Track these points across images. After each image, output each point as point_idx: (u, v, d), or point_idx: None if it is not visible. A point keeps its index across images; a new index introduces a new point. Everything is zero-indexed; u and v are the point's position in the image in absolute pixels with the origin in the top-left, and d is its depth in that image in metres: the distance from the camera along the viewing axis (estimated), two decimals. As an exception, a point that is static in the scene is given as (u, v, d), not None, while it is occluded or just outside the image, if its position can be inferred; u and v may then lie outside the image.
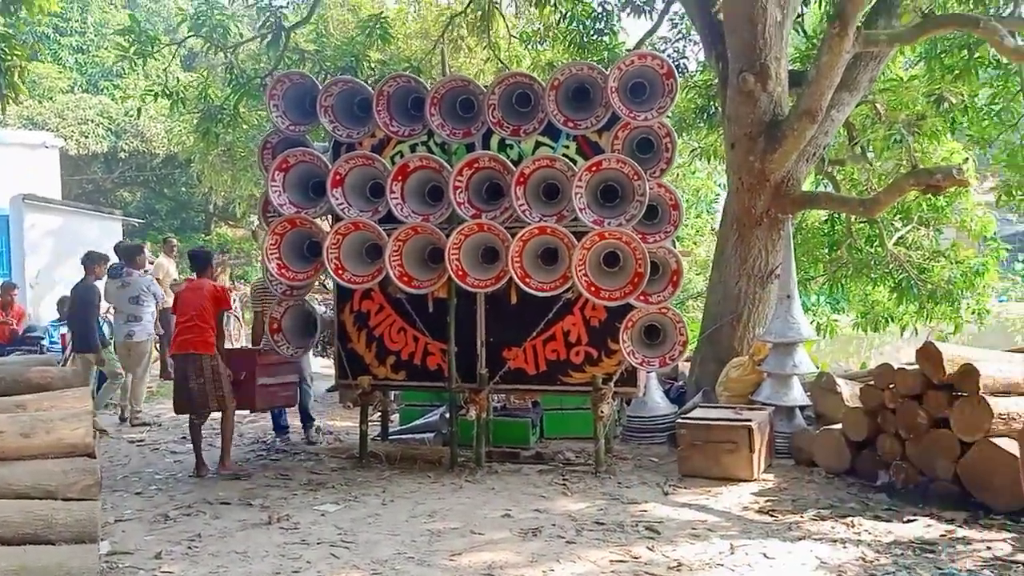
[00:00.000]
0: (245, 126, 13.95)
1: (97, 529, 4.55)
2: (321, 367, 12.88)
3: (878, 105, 10.25)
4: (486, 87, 6.88)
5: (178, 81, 13.20)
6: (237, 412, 7.36)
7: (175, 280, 11.61)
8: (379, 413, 8.29)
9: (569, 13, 11.82)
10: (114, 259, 9.78)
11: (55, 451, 4.74)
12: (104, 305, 9.74)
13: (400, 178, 6.78)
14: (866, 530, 5.20)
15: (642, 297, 6.57)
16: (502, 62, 13.50)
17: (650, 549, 4.91)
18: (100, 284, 9.26)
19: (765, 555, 4.79)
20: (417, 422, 8.27)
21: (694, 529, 5.29)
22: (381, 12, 14.43)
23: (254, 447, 8.05)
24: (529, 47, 13.88)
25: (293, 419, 8.50)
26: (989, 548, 4.81)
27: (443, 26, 13.44)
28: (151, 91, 11.73)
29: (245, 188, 19.45)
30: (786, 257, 7.98)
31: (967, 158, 10.91)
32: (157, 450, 8.02)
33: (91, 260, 9.14)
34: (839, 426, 6.57)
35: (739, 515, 5.61)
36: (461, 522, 5.48)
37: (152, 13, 27.19)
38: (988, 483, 5.41)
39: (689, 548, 4.93)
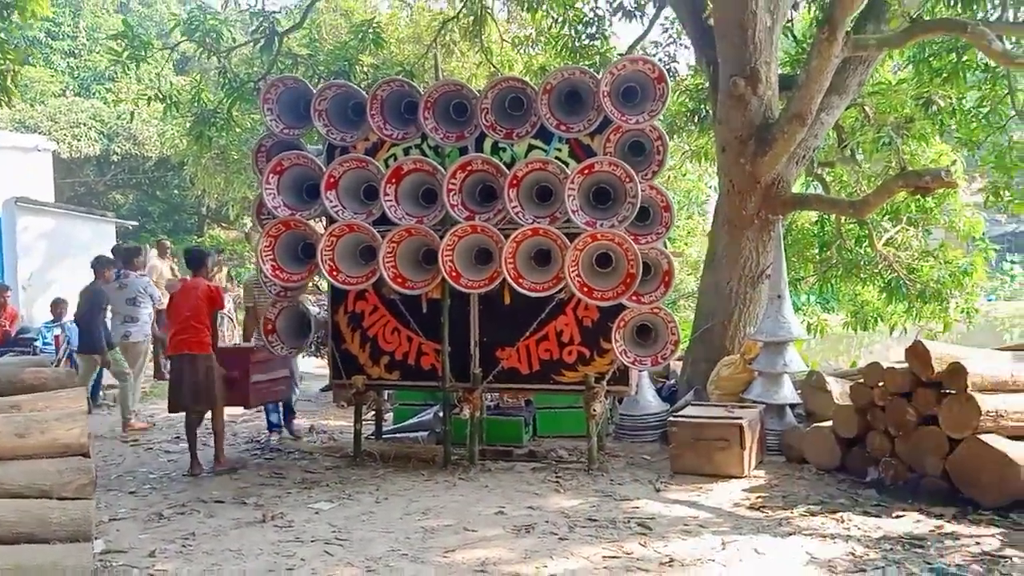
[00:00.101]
0: (238, 129, 13.95)
1: (92, 528, 4.56)
2: (315, 367, 12.92)
3: (867, 108, 10.33)
4: (479, 91, 6.94)
5: (171, 85, 13.22)
6: (231, 411, 7.42)
7: (170, 280, 11.64)
8: (373, 412, 8.32)
9: (561, 18, 11.88)
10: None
11: (50, 451, 4.76)
12: None
13: (394, 181, 6.83)
14: (856, 526, 5.25)
15: (634, 297, 6.63)
16: (494, 66, 13.56)
17: (642, 545, 4.96)
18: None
19: (756, 551, 4.84)
20: (411, 421, 8.31)
21: (686, 525, 5.34)
22: (374, 17, 14.49)
23: (248, 446, 8.07)
24: (521, 51, 13.94)
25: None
26: (977, 543, 4.87)
27: (436, 31, 13.49)
28: (144, 95, 11.75)
29: (238, 191, 19.44)
30: (777, 258, 8.05)
31: (955, 160, 10.98)
32: (151, 449, 8.04)
33: (100, 264, 9.26)
34: (829, 424, 6.63)
35: (730, 511, 5.67)
36: (455, 519, 5.52)
37: (144, 17, 27.21)
38: (976, 479, 5.47)
39: (681, 544, 4.97)
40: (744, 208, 8.36)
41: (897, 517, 5.39)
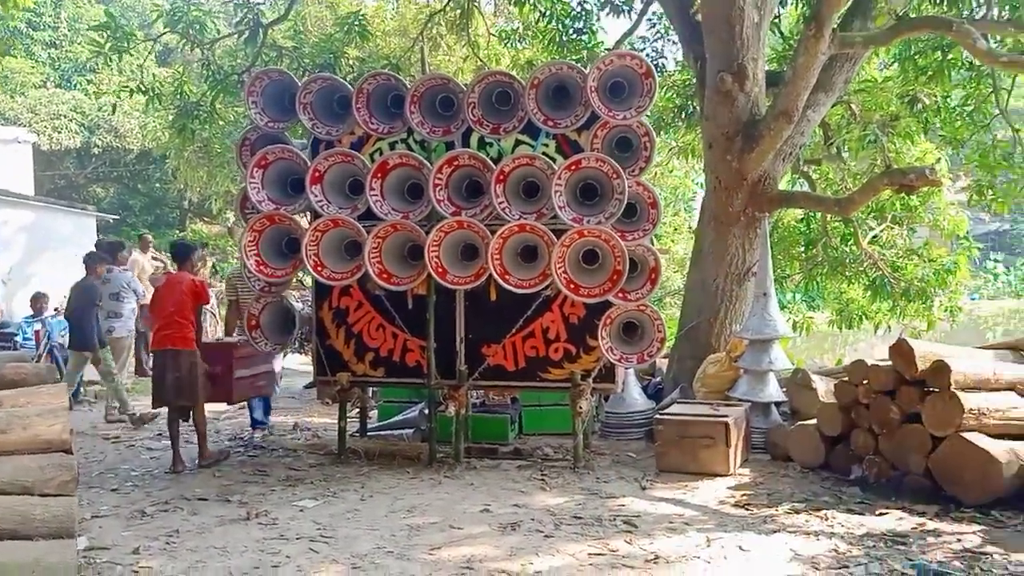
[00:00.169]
0: (222, 122, 13.86)
1: (74, 525, 4.52)
2: (299, 363, 12.87)
3: (853, 106, 10.38)
4: (466, 85, 6.90)
5: (154, 77, 13.09)
6: (214, 408, 7.38)
7: (155, 270, 11.57)
8: (358, 409, 8.28)
9: (548, 12, 11.85)
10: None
11: (31, 447, 4.71)
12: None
13: (380, 175, 6.78)
14: (839, 523, 5.28)
15: (621, 294, 6.63)
16: (481, 60, 13.52)
17: (628, 542, 4.96)
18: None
19: (741, 548, 4.86)
20: (396, 418, 8.29)
21: (671, 523, 5.35)
22: (359, 9, 14.41)
23: (231, 443, 8.01)
24: (508, 45, 13.90)
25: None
26: (959, 540, 4.91)
27: (422, 24, 13.43)
28: (126, 87, 11.63)
29: (221, 184, 19.31)
30: (763, 255, 8.07)
31: (939, 158, 11.06)
32: (133, 447, 7.97)
33: (92, 260, 9.20)
34: (814, 421, 6.66)
35: (715, 509, 5.68)
36: (440, 517, 5.50)
37: (126, 8, 26.93)
38: (959, 477, 5.51)
39: (666, 541, 4.98)
40: (730, 205, 8.37)
41: (880, 514, 5.42)
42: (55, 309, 11.51)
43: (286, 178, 7.16)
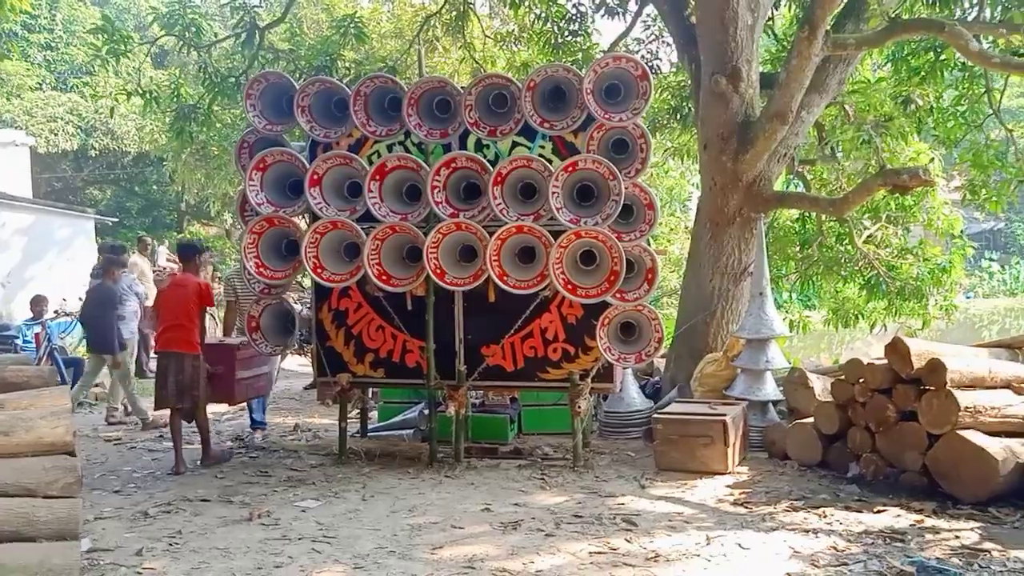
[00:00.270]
0: (219, 124, 13.87)
1: (78, 526, 4.55)
2: (299, 365, 12.89)
3: (847, 106, 10.43)
4: (463, 88, 6.94)
5: (151, 80, 13.11)
6: (215, 409, 7.42)
7: (160, 270, 11.60)
8: (358, 410, 8.32)
9: (543, 14, 11.89)
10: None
11: (35, 449, 4.74)
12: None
13: (378, 177, 6.82)
14: (837, 520, 5.33)
15: (618, 295, 6.67)
16: (477, 62, 13.54)
17: (628, 541, 5.00)
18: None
19: (740, 546, 4.90)
20: (396, 419, 8.32)
21: (670, 521, 5.40)
22: (355, 12, 14.43)
23: (233, 445, 8.03)
24: (504, 47, 13.94)
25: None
26: (957, 537, 4.95)
27: (418, 26, 13.46)
28: (124, 90, 11.64)
29: (219, 186, 19.31)
30: (758, 255, 8.12)
31: (933, 158, 11.11)
32: (134, 448, 8.00)
33: (110, 264, 9.26)
34: (811, 420, 6.71)
35: (714, 507, 5.73)
36: (441, 516, 5.54)
37: (122, 10, 26.92)
38: (955, 474, 5.56)
39: (666, 539, 5.03)
40: (726, 206, 8.42)
41: (878, 512, 5.47)
42: (55, 311, 11.53)
43: (285, 180, 7.19)
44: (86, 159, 24.76)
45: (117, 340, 8.94)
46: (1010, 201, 10.55)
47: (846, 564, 4.56)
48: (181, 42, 11.17)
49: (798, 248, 11.83)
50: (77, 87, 24.40)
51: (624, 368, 7.44)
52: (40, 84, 24.33)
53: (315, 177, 6.92)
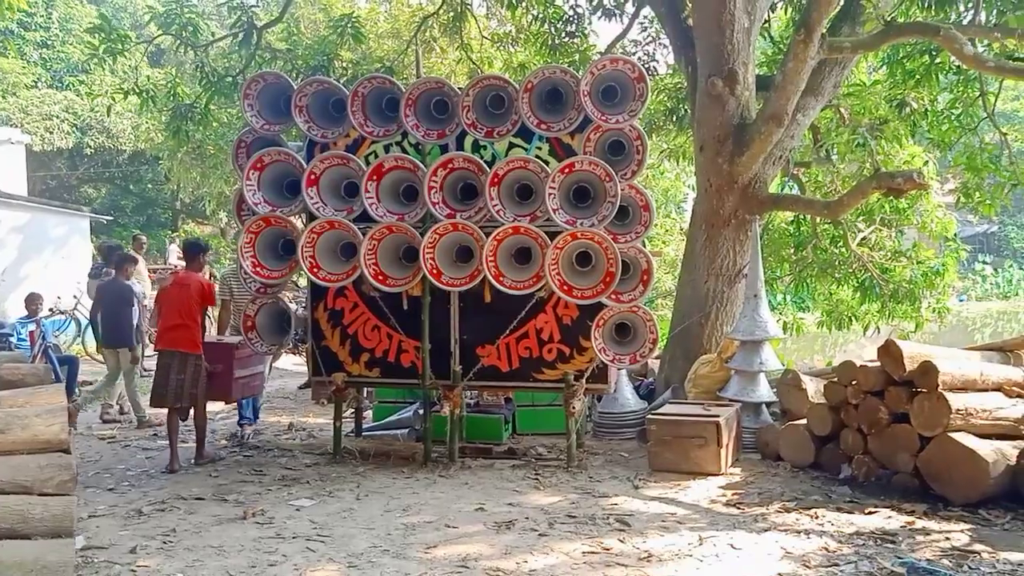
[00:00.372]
0: (215, 124, 13.86)
1: (73, 524, 4.57)
2: (293, 364, 12.89)
3: (842, 109, 10.48)
4: (460, 89, 6.96)
5: (148, 79, 13.11)
6: (209, 408, 7.44)
7: (163, 269, 11.62)
8: (353, 410, 8.34)
9: (540, 15, 11.92)
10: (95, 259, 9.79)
11: (30, 447, 4.76)
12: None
13: (375, 178, 6.84)
14: (829, 521, 5.35)
15: (613, 296, 6.70)
16: (474, 63, 13.57)
17: (621, 541, 5.03)
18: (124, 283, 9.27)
19: (732, 546, 4.93)
20: (391, 418, 8.33)
21: (663, 521, 5.42)
22: (353, 12, 14.43)
23: (227, 444, 8.04)
24: (501, 48, 13.96)
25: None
26: (947, 538, 4.99)
27: (415, 27, 13.48)
28: (120, 89, 11.64)
29: (215, 185, 19.32)
30: (753, 257, 8.15)
31: (927, 161, 11.17)
32: (128, 447, 8.00)
33: (123, 260, 9.28)
34: (804, 421, 6.74)
35: (707, 508, 5.75)
36: (435, 516, 5.56)
37: (119, 8, 26.92)
38: (947, 476, 5.59)
39: (659, 540, 5.05)
40: (721, 208, 8.46)
41: (869, 513, 5.50)
42: (50, 309, 11.51)
43: (282, 180, 7.20)
44: (81, 157, 24.74)
45: (134, 334, 8.96)
46: (1004, 204, 10.60)
47: (837, 565, 4.59)
48: (178, 41, 11.18)
49: (792, 250, 11.89)
50: (73, 85, 24.39)
51: (619, 369, 7.47)
52: (36, 82, 24.32)
53: (312, 177, 6.94)
